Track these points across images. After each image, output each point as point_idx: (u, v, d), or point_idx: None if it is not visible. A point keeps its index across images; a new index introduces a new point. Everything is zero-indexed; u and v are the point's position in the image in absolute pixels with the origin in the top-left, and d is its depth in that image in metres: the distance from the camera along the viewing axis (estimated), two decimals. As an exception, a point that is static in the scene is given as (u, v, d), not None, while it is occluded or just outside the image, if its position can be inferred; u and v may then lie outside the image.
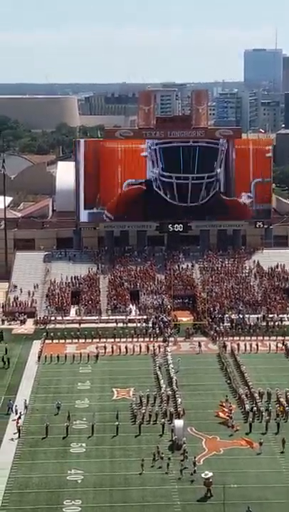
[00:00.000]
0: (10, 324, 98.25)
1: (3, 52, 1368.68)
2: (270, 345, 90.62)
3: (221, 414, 70.82)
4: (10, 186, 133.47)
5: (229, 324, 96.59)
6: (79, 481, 60.45)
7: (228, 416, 70.13)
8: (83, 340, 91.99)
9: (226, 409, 71.10)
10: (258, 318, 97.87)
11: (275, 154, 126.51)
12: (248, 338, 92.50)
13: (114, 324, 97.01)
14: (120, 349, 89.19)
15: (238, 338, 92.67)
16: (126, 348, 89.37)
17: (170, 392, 75.19)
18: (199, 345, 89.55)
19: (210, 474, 58.50)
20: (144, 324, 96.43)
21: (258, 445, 64.93)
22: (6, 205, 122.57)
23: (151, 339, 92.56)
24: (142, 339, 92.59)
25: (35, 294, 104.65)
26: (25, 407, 72.74)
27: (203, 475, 58.72)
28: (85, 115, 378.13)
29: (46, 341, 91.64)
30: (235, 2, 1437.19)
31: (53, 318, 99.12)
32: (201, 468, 60.58)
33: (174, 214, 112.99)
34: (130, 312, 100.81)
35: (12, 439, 67.26)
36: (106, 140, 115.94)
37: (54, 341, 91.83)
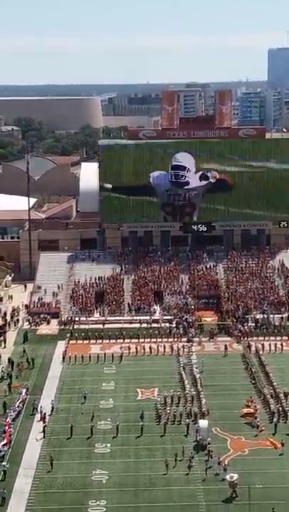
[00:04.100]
0: (34, 325, 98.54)
1: (28, 55, 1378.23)
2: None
3: (245, 410, 70.69)
4: (34, 187, 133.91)
5: (254, 324, 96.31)
6: (104, 481, 60.57)
7: (253, 413, 69.97)
8: (107, 341, 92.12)
9: (252, 408, 71.04)
10: (282, 318, 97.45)
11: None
12: (273, 338, 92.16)
13: (138, 325, 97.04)
14: (144, 349, 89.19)
15: (262, 338, 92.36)
16: (150, 348, 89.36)
17: (194, 393, 75.10)
18: (225, 348, 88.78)
19: (235, 477, 58.36)
20: (168, 324, 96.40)
21: (281, 446, 64.73)
22: (30, 206, 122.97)
23: (176, 339, 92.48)
24: (166, 339, 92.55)
25: (59, 294, 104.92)
26: (52, 407, 73.02)
27: (228, 477, 58.60)
28: (109, 116, 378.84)
29: (70, 342, 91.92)
30: (260, 2, 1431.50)
31: (77, 318, 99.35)
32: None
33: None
34: (154, 312, 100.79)
35: (37, 440, 67.59)
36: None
37: (78, 342, 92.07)
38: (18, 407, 72.49)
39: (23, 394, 75.13)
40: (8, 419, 69.31)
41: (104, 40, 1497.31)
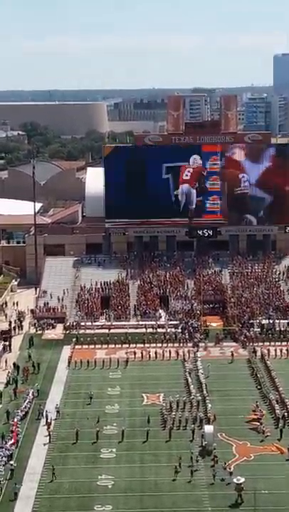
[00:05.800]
0: (40, 329, 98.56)
1: (33, 59, 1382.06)
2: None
3: (251, 416, 70.63)
4: (40, 192, 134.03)
5: (259, 329, 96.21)
6: (109, 486, 60.53)
7: (258, 419, 69.90)
8: (113, 346, 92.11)
9: (257, 414, 70.95)
10: (288, 323, 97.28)
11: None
12: (279, 343, 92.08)
13: (144, 329, 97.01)
14: (150, 354, 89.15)
15: (268, 343, 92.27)
16: (156, 353, 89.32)
17: (200, 398, 75.05)
18: (232, 355, 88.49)
19: (242, 480, 58.32)
20: (173, 329, 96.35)
21: (287, 451, 64.62)
22: (36, 211, 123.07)
23: (181, 344, 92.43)
24: (171, 344, 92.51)
25: (65, 299, 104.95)
26: (57, 412, 73.05)
27: (235, 480, 58.57)
28: (114, 121, 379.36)
29: (76, 346, 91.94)
30: (265, 6, 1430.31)
31: (82, 323, 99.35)
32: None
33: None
34: (160, 317, 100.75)
35: (43, 444, 67.57)
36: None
37: (84, 346, 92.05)
38: (25, 407, 72.84)
39: (30, 395, 75.42)
40: (15, 419, 69.74)
41: (104, 40, 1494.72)
